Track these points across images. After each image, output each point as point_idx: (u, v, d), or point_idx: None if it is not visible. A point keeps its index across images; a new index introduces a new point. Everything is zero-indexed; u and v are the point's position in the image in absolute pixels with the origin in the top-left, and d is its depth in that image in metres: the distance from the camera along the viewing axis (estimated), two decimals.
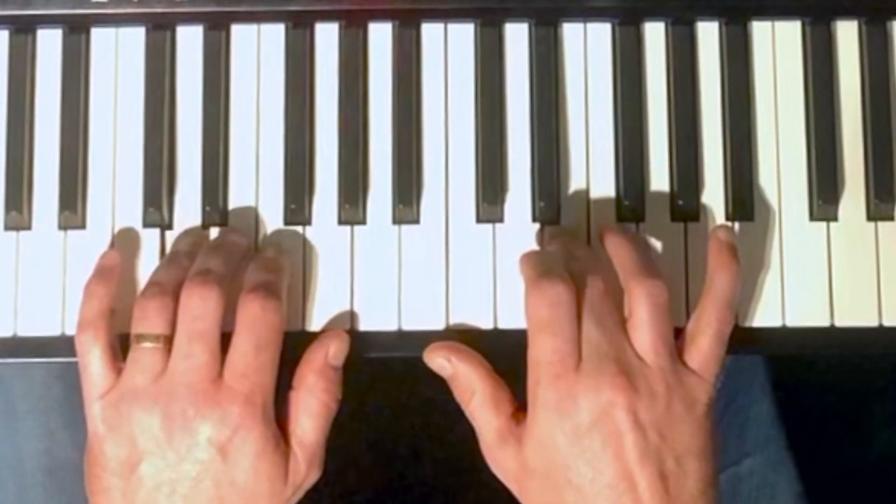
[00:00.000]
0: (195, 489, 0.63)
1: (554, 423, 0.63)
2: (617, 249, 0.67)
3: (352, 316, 0.70)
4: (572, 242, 0.68)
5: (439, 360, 0.67)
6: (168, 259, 0.69)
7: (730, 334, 0.66)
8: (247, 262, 0.68)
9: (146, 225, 0.71)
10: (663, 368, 0.63)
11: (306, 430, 0.66)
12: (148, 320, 0.64)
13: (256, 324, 0.64)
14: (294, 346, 0.68)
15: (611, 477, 0.62)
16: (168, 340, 0.64)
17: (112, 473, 0.64)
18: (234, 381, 0.64)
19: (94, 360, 0.65)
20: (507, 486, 0.66)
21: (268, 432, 0.64)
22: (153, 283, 0.66)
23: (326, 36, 0.72)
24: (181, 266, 0.67)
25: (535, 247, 0.70)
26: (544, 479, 0.63)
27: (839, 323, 0.70)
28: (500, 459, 0.66)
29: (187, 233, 0.71)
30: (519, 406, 0.66)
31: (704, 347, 0.65)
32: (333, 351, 0.67)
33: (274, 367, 0.65)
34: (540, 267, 0.66)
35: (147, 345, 0.64)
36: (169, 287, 0.65)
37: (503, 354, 0.67)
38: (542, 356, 0.63)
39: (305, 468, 0.66)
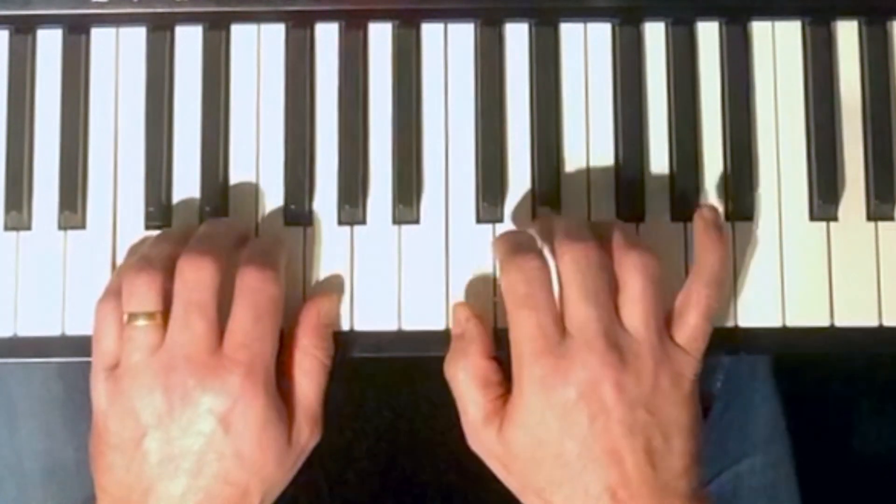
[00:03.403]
0: (199, 463, 0.63)
1: (541, 399, 0.62)
2: (609, 227, 0.66)
3: (352, 316, 0.70)
4: (560, 217, 0.67)
5: (461, 315, 0.68)
6: (158, 236, 0.68)
7: (717, 311, 0.66)
8: (244, 246, 0.68)
9: (147, 224, 0.71)
10: (652, 344, 0.63)
11: (306, 391, 0.66)
12: (138, 297, 0.64)
13: (255, 294, 0.64)
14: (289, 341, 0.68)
15: (598, 452, 0.62)
16: (162, 315, 0.64)
17: (116, 450, 0.64)
18: (233, 351, 0.63)
19: (108, 331, 0.65)
20: (488, 465, 0.66)
21: (269, 401, 0.64)
22: (141, 257, 0.65)
23: (326, 36, 0.72)
24: (172, 242, 0.66)
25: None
26: (529, 456, 0.63)
27: (839, 323, 0.70)
28: (483, 439, 0.65)
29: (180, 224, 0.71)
30: (507, 389, 0.65)
31: (692, 323, 0.64)
32: (325, 310, 0.68)
33: (274, 336, 0.65)
34: (512, 244, 0.66)
35: (140, 323, 0.63)
36: (157, 261, 0.64)
37: (503, 354, 0.67)
38: (524, 332, 0.63)
39: (308, 430, 0.66)
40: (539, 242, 0.67)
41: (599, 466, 0.62)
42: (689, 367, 0.64)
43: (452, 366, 0.67)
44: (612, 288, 0.63)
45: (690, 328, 0.64)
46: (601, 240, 0.65)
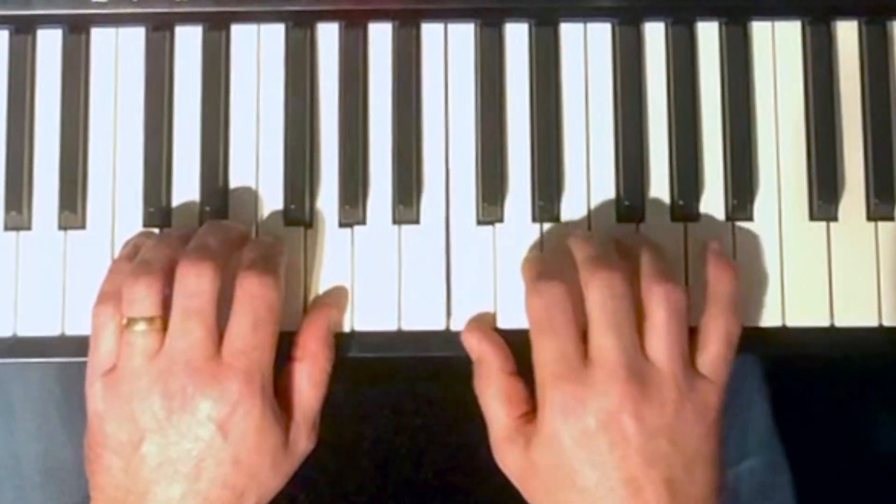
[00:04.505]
0: (197, 468, 0.63)
1: (561, 425, 0.62)
2: (637, 247, 0.66)
3: (351, 316, 0.70)
4: (587, 240, 0.67)
5: (472, 341, 0.68)
6: (157, 239, 0.68)
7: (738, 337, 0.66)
8: (243, 248, 0.68)
9: (146, 225, 0.71)
10: (675, 374, 0.63)
11: (311, 399, 0.66)
12: (138, 303, 0.64)
13: (254, 300, 0.64)
14: (294, 346, 0.67)
15: (616, 481, 0.62)
16: (161, 320, 0.64)
17: (113, 452, 0.64)
18: (232, 358, 0.63)
19: (106, 335, 0.65)
20: (514, 483, 0.66)
21: (267, 408, 0.64)
22: (141, 261, 0.65)
23: (327, 36, 0.72)
24: (171, 246, 0.66)
25: (534, 246, 0.70)
26: (550, 479, 0.63)
27: (839, 323, 0.70)
28: (507, 457, 0.66)
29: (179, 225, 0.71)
30: (533, 407, 0.65)
31: (714, 353, 0.65)
32: (334, 319, 0.68)
33: (272, 343, 0.65)
34: (537, 269, 0.66)
35: (140, 328, 0.63)
36: (157, 265, 0.64)
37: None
38: (546, 358, 0.63)
39: (306, 436, 0.66)
40: (569, 265, 0.66)
41: (618, 495, 0.62)
42: (712, 395, 0.64)
43: (477, 385, 0.67)
44: (637, 315, 0.64)
45: (713, 357, 0.65)
46: (628, 259, 0.65)
